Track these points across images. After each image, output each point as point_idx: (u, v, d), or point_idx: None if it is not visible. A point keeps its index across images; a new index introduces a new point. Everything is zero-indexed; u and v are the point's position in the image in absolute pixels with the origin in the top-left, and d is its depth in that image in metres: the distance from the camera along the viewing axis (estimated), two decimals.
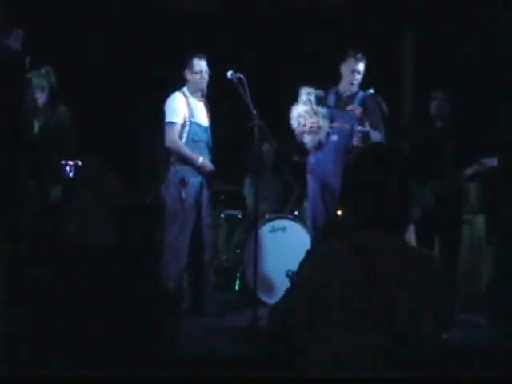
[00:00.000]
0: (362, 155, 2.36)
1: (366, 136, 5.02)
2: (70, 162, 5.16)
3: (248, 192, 6.49)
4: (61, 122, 5.00)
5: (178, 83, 5.18)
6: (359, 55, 5.18)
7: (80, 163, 5.16)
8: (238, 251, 6.24)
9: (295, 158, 5.92)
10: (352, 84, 5.20)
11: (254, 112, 4.82)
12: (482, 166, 5.17)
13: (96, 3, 6.04)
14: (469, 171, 5.22)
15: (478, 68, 6.15)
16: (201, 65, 5.05)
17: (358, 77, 5.19)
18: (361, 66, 5.18)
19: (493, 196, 5.82)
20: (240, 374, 2.17)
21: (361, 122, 5.12)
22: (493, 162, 5.13)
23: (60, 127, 4.99)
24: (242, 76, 4.88)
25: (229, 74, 4.91)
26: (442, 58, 6.36)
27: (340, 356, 2.12)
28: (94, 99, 6.00)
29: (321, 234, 5.21)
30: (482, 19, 6.05)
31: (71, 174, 5.23)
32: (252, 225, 5.49)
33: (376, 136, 5.06)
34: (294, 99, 5.26)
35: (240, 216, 6.42)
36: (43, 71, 4.98)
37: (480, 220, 5.94)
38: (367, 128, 5.02)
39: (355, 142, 5.04)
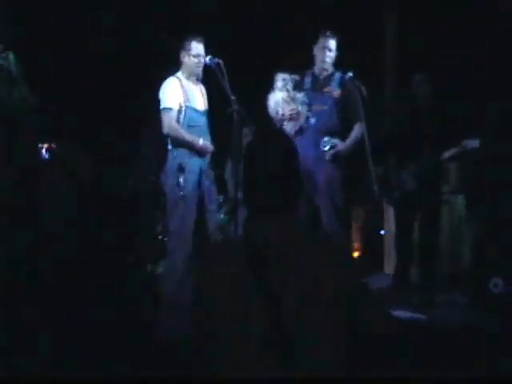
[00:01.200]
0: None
1: (333, 146, 5.05)
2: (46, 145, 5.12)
3: (229, 176, 6.43)
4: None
5: (170, 66, 5.05)
6: (328, 32, 5.19)
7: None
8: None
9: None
10: (324, 62, 5.18)
11: (233, 98, 4.76)
12: (463, 148, 5.29)
13: None
14: (449, 153, 5.34)
15: (458, 51, 6.27)
16: (198, 48, 4.91)
17: (330, 54, 5.17)
18: (331, 44, 5.17)
19: (472, 175, 5.97)
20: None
21: (338, 104, 5.14)
22: (474, 143, 5.25)
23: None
24: (220, 61, 4.83)
25: (207, 59, 4.86)
26: (425, 40, 6.45)
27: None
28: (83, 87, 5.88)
29: None
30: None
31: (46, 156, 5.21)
32: (233, 209, 5.44)
33: (342, 145, 5.06)
34: (270, 85, 5.24)
35: (221, 200, 6.37)
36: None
37: (459, 200, 6.10)
38: (335, 140, 5.04)
39: (322, 147, 5.06)
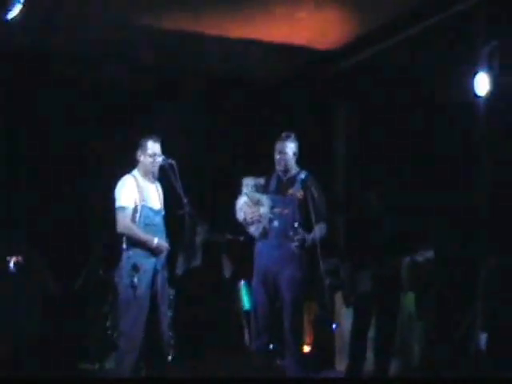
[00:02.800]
0: None
1: (302, 240, 5.14)
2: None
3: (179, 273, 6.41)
4: None
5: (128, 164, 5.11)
6: (283, 135, 5.31)
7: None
8: None
9: (228, 236, 5.98)
10: (280, 164, 5.29)
11: (185, 200, 4.90)
12: (420, 257, 5.36)
13: None
14: (406, 260, 5.41)
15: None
16: (155, 148, 4.99)
17: (285, 156, 5.26)
18: (286, 146, 5.26)
19: (424, 274, 6.07)
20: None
21: (301, 206, 5.23)
22: (429, 254, 5.33)
23: None
24: (173, 162, 4.95)
25: (160, 159, 4.96)
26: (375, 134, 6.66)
27: None
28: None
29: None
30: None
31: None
32: None
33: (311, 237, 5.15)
34: (237, 191, 5.34)
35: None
36: None
37: (409, 296, 6.16)
38: (303, 234, 5.12)
39: (294, 248, 5.16)
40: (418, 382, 3.61)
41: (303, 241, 5.14)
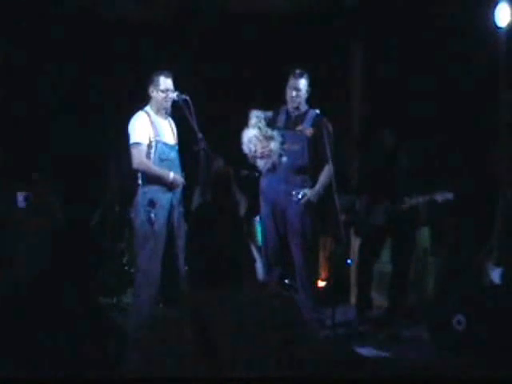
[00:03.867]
0: None
1: (304, 195, 5.15)
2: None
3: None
4: None
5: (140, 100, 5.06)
6: (297, 71, 5.27)
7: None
8: None
9: (243, 172, 5.96)
10: (293, 101, 5.25)
11: (200, 135, 4.86)
12: (433, 199, 5.33)
13: None
14: (420, 200, 5.40)
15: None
16: (167, 83, 4.94)
17: (298, 93, 5.24)
18: (300, 83, 5.24)
19: (438, 209, 6.07)
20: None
21: (310, 143, 5.23)
22: (445, 196, 5.30)
23: None
24: (187, 98, 4.89)
25: (174, 95, 4.90)
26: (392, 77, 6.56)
27: None
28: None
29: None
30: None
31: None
32: None
33: (312, 192, 5.16)
34: (244, 123, 5.31)
35: None
36: None
37: (425, 232, 6.18)
38: (305, 190, 5.15)
39: (294, 198, 5.15)
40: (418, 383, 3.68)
41: (307, 201, 5.16)
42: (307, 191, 5.17)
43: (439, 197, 5.27)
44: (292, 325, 3.59)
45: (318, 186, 5.20)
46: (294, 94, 5.22)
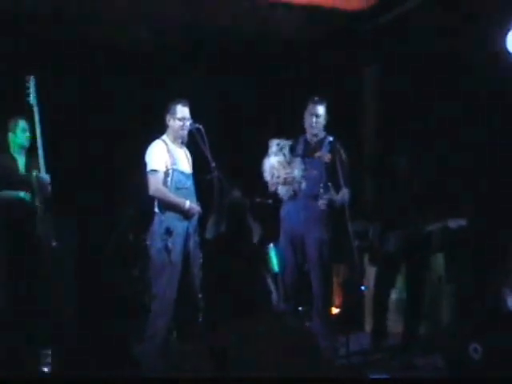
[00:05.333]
0: None
1: (331, 202, 5.17)
2: None
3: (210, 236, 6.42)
4: None
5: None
6: (316, 98, 5.31)
7: None
8: None
9: (257, 200, 5.97)
10: (312, 127, 5.29)
11: (213, 164, 4.88)
12: (453, 223, 5.31)
13: None
14: (434, 227, 5.39)
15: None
16: (184, 112, 4.98)
17: (317, 120, 5.29)
18: (319, 109, 5.29)
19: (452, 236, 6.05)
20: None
21: (328, 169, 5.24)
22: (459, 223, 5.28)
23: None
24: (200, 127, 4.93)
25: (188, 124, 4.92)
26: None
27: None
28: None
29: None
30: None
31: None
32: None
33: (339, 198, 5.16)
34: (265, 151, 5.36)
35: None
36: None
37: (439, 259, 6.15)
38: (332, 194, 5.15)
39: (321, 206, 5.16)
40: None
41: (331, 201, 5.15)
42: (333, 195, 5.15)
43: (453, 223, 5.26)
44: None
45: (340, 195, 5.17)
46: (314, 120, 5.27)
